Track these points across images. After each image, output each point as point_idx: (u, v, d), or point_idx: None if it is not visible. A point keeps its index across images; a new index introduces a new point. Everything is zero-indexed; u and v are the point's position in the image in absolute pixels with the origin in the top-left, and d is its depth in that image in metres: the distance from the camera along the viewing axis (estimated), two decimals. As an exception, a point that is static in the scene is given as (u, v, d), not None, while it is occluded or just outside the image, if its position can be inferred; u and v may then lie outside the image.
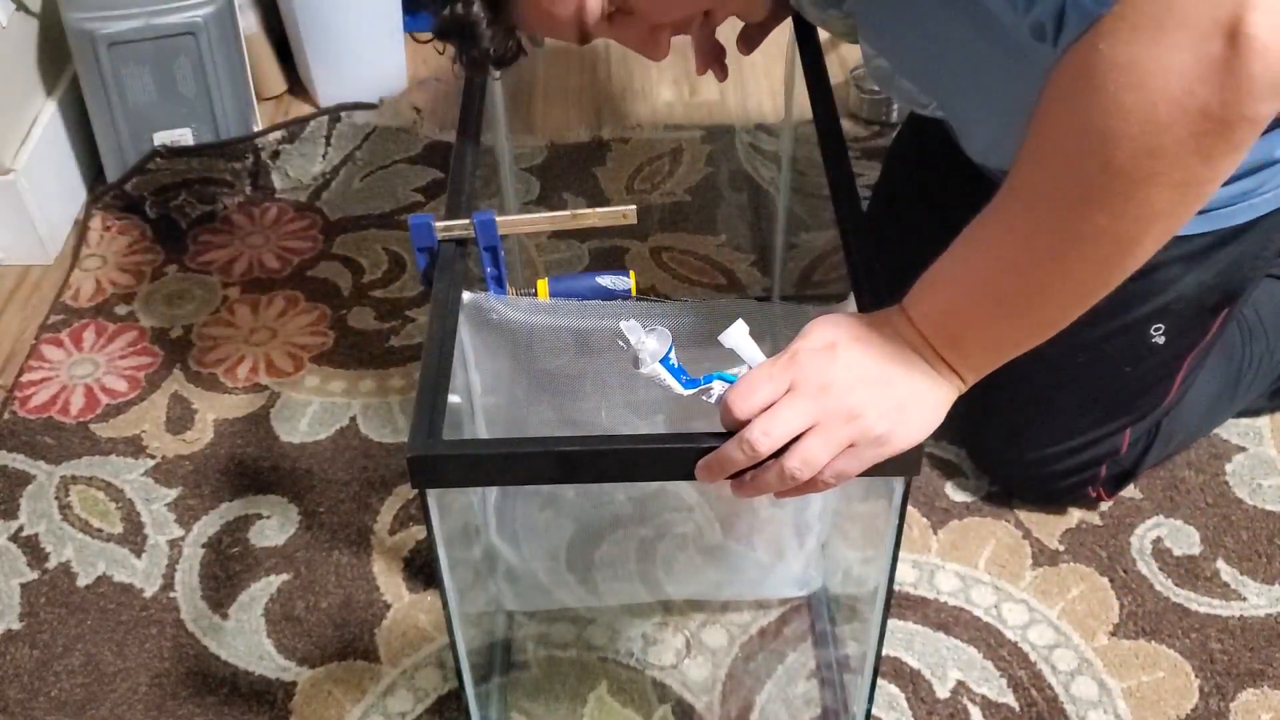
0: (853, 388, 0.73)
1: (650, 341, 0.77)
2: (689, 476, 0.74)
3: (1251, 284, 1.12)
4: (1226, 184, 1.02)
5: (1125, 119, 0.66)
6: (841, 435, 0.72)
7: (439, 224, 0.88)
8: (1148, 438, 1.20)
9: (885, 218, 1.36)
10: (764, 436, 0.71)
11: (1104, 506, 1.26)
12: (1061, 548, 1.23)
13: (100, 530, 1.26)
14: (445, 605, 0.82)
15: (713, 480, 0.74)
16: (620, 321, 0.77)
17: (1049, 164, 0.71)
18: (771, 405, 0.72)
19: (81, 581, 1.22)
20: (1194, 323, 1.12)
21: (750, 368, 0.76)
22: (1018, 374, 1.06)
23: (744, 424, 0.72)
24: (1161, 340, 1.12)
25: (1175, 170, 0.67)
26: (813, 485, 0.74)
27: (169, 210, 1.67)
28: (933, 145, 1.25)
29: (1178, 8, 0.64)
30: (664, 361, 0.77)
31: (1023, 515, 1.26)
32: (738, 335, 0.78)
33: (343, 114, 1.85)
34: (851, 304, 0.84)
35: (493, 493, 1.09)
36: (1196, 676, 1.12)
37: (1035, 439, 1.20)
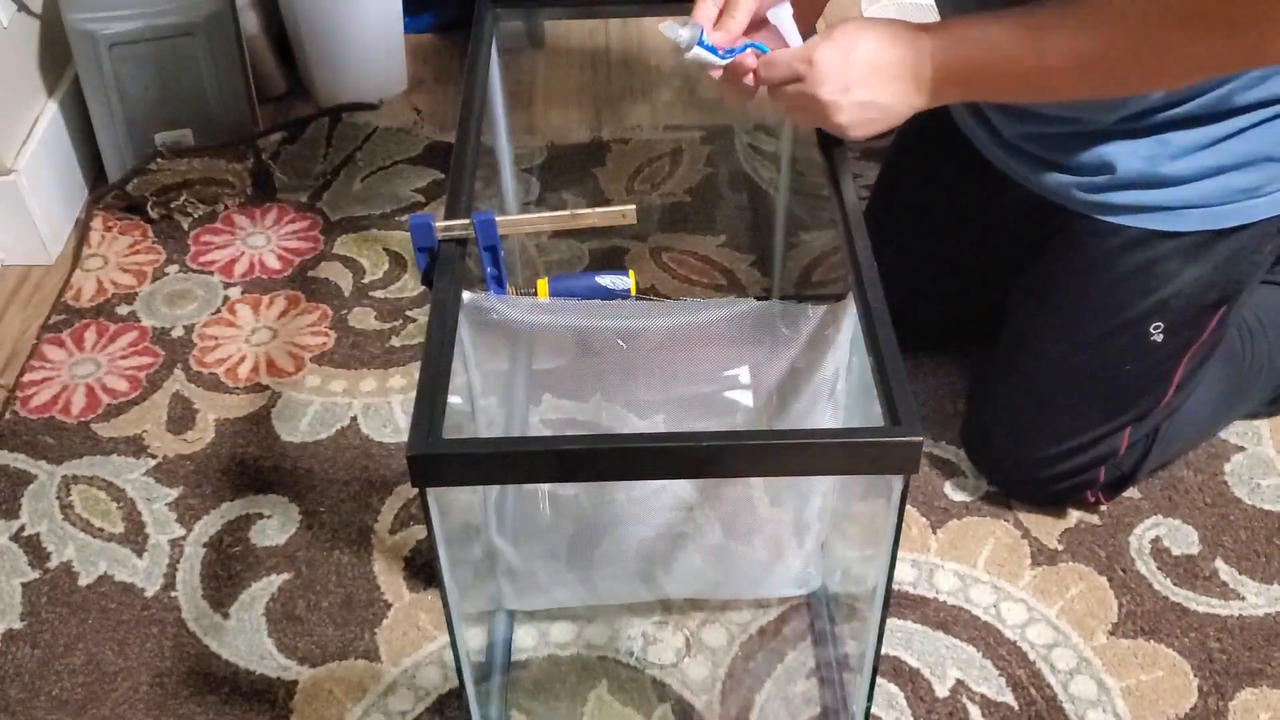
0: (843, 100, 0.94)
1: (685, 32, 0.94)
2: (689, 476, 0.74)
3: (1248, 282, 1.13)
4: (1226, 173, 1.04)
5: None
6: (812, 109, 0.94)
7: (439, 224, 0.88)
8: (1146, 442, 1.21)
9: (886, 216, 1.36)
10: (768, 67, 0.95)
11: (1103, 507, 1.26)
12: (1060, 547, 1.23)
13: (101, 530, 1.27)
14: (445, 605, 0.82)
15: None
16: (659, 23, 0.94)
17: None
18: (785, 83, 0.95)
19: (83, 581, 1.22)
20: (1192, 320, 1.13)
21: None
22: (1019, 375, 1.07)
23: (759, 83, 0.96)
24: (1160, 339, 1.13)
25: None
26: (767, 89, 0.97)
27: (170, 210, 1.67)
28: (936, 143, 1.25)
29: None
30: (701, 43, 0.94)
31: (1022, 515, 1.26)
32: (783, 14, 0.97)
33: (343, 114, 1.85)
34: (852, 303, 0.84)
35: (493, 492, 1.09)
36: (1195, 676, 1.12)
37: (1036, 439, 1.21)
